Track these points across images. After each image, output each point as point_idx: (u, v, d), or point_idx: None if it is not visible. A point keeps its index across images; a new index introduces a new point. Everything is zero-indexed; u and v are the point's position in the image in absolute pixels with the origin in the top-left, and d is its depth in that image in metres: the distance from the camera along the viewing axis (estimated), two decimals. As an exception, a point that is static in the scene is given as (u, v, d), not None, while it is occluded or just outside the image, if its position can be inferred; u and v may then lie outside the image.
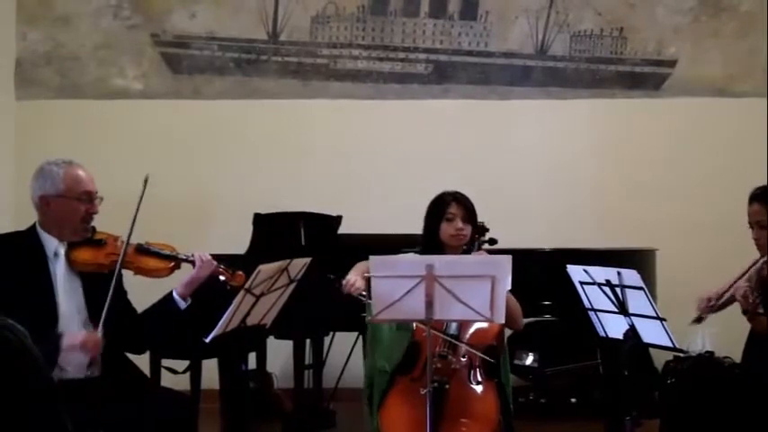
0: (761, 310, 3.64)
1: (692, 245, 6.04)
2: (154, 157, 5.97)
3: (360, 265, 3.58)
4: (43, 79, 6.39)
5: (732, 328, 3.74)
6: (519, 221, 5.76)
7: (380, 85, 6.44)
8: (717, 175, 6.18)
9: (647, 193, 6.28)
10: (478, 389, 3.54)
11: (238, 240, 5.12)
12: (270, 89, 6.43)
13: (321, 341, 5.38)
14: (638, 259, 5.08)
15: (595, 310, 3.58)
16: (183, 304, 3.38)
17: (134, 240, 3.36)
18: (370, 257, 3.19)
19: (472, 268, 3.21)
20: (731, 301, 3.74)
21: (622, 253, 5.32)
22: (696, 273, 5.78)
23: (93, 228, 3.38)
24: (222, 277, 3.43)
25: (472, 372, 3.56)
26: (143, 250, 3.39)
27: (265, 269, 3.35)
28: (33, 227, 3.36)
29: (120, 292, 3.40)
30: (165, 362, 4.96)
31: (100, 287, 3.25)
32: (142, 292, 3.48)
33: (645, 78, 6.43)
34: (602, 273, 3.45)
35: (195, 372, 5.02)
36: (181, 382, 4.73)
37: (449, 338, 3.52)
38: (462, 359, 3.55)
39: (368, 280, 3.22)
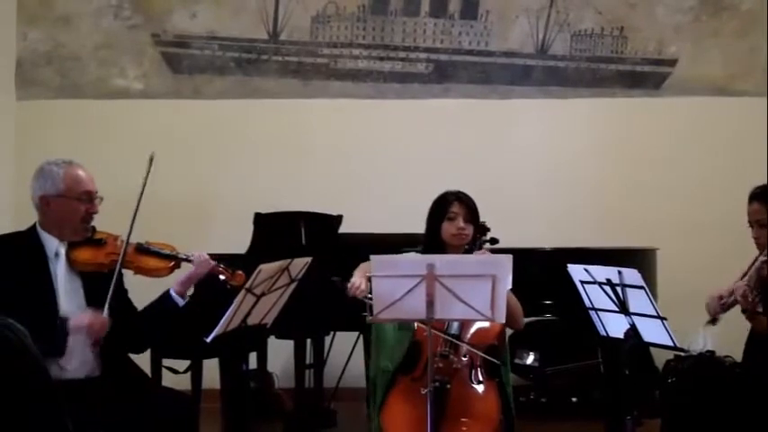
0: (760, 309, 3.64)
1: (692, 244, 6.04)
2: (155, 156, 5.95)
3: (363, 267, 3.58)
4: (44, 79, 6.39)
5: (733, 328, 3.73)
6: (519, 221, 5.76)
7: (381, 85, 6.44)
8: (717, 174, 6.18)
9: (648, 192, 6.28)
10: (480, 388, 3.54)
11: (239, 240, 5.12)
12: (270, 89, 6.43)
13: (322, 341, 5.38)
14: (639, 258, 5.09)
15: (596, 310, 3.58)
16: (180, 302, 3.38)
17: (134, 240, 3.36)
18: (371, 257, 3.19)
19: (473, 268, 3.21)
20: (733, 304, 3.73)
21: (623, 252, 5.32)
22: (696, 272, 5.79)
23: (94, 227, 3.38)
24: (222, 276, 3.43)
25: (473, 371, 3.56)
26: (143, 250, 3.39)
27: (266, 269, 3.35)
28: (34, 227, 3.36)
29: (121, 291, 3.40)
30: (166, 362, 4.96)
31: (100, 287, 3.25)
32: (142, 291, 3.48)
33: (645, 78, 6.43)
34: (602, 272, 3.45)
35: (196, 371, 5.02)
36: (182, 382, 4.73)
37: (450, 338, 3.52)
38: (463, 359, 3.55)
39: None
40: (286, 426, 5.13)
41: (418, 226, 3.91)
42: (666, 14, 6.42)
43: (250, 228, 5.23)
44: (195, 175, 6.29)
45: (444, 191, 3.80)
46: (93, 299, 3.27)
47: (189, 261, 3.42)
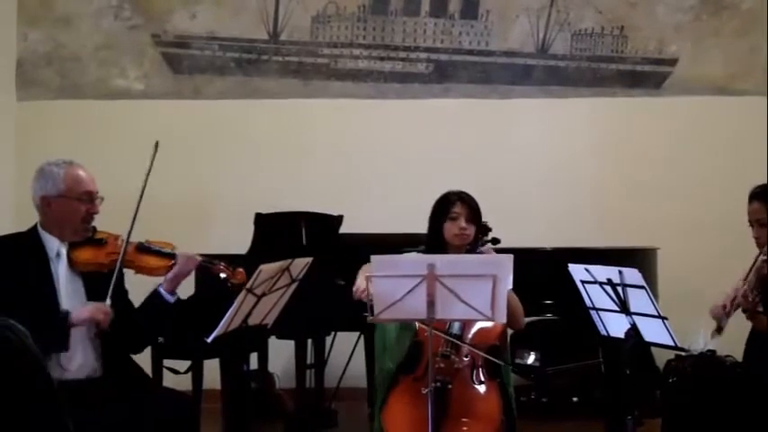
0: (761, 309, 3.64)
1: (692, 244, 6.04)
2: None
3: (366, 268, 3.57)
4: (44, 80, 6.40)
5: (733, 328, 3.73)
6: (519, 221, 5.75)
7: (381, 85, 6.44)
8: (717, 174, 6.18)
9: (648, 191, 6.28)
10: (481, 389, 3.54)
11: (239, 240, 5.12)
12: (271, 89, 6.43)
13: (323, 341, 5.38)
14: (640, 258, 5.09)
15: (597, 309, 3.58)
16: (170, 298, 3.38)
17: (134, 239, 3.36)
18: (372, 257, 3.19)
19: (473, 267, 3.21)
20: (737, 306, 3.73)
21: (624, 252, 5.32)
22: (697, 272, 5.82)
23: (94, 227, 3.38)
24: (223, 275, 3.43)
25: (475, 371, 3.56)
26: (143, 249, 3.39)
27: (267, 269, 3.35)
28: (34, 227, 3.36)
29: (121, 291, 3.40)
30: (167, 362, 4.96)
31: (101, 287, 3.25)
32: (142, 292, 3.47)
33: (645, 77, 6.43)
34: (603, 272, 3.45)
35: (197, 372, 5.02)
36: (182, 383, 4.74)
37: (451, 338, 3.52)
38: (465, 359, 3.55)
39: None
40: (287, 426, 5.13)
41: (418, 226, 3.91)
42: (667, 14, 6.42)
43: (250, 228, 5.23)
44: (196, 176, 6.29)
45: (447, 191, 3.81)
46: (95, 299, 3.27)
47: (188, 260, 3.43)
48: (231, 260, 3.60)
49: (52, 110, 6.33)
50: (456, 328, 3.57)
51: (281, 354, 5.59)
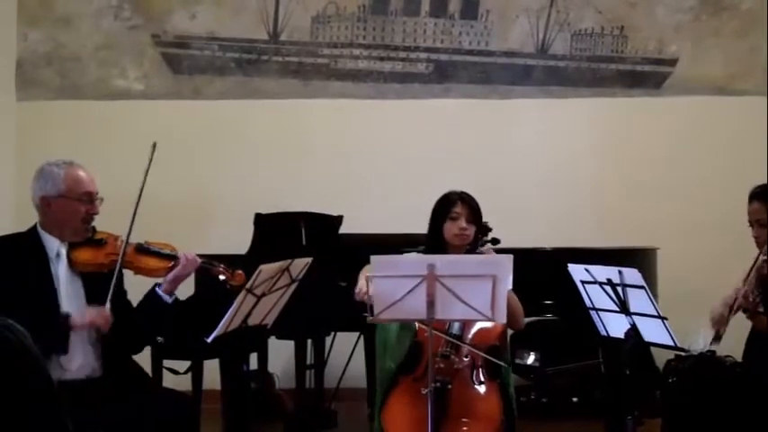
0: (761, 309, 3.63)
1: (692, 244, 6.04)
2: (155, 157, 5.95)
3: (367, 269, 3.57)
4: (44, 80, 6.40)
5: (733, 328, 3.72)
6: (519, 221, 5.75)
7: (381, 85, 6.44)
8: (717, 174, 6.18)
9: (648, 192, 6.27)
10: (481, 389, 3.54)
11: (239, 240, 5.13)
12: (270, 89, 6.43)
13: (322, 341, 5.38)
14: (640, 258, 5.09)
15: (597, 310, 3.58)
16: (168, 299, 3.38)
17: (134, 240, 3.36)
18: (371, 257, 3.19)
19: (473, 268, 3.21)
20: (738, 308, 3.72)
21: (624, 252, 5.32)
22: (696, 272, 5.82)
23: (94, 228, 3.38)
24: (222, 277, 3.43)
25: (475, 372, 3.56)
26: (143, 250, 3.39)
27: (266, 269, 3.35)
28: (34, 228, 3.36)
29: (121, 292, 3.40)
30: (167, 362, 4.96)
31: (101, 287, 3.25)
32: (143, 292, 3.47)
33: (645, 77, 6.42)
34: (603, 272, 3.45)
35: (197, 372, 5.02)
36: (182, 383, 4.74)
37: (451, 339, 3.52)
38: (465, 359, 3.55)
39: None
40: (287, 426, 5.13)
41: (418, 226, 3.91)
42: (667, 14, 6.42)
43: (250, 228, 5.23)
44: (195, 176, 6.29)
45: (448, 191, 3.81)
46: (94, 299, 3.27)
47: (188, 261, 3.43)
48: (231, 260, 3.60)
49: (52, 110, 6.33)
50: (456, 328, 3.57)
51: (280, 354, 5.59)
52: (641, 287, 3.34)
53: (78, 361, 3.24)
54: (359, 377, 5.17)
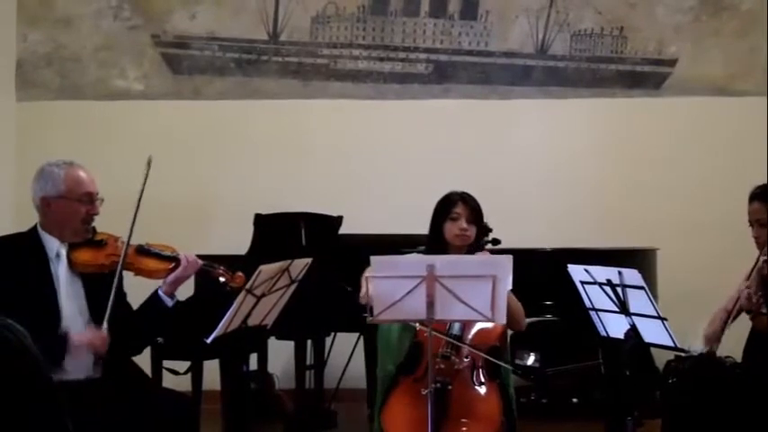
0: (764, 310, 3.63)
1: (692, 244, 6.04)
2: (155, 157, 5.95)
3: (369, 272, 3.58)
4: (44, 80, 6.39)
5: (733, 328, 3.73)
6: (519, 221, 5.75)
7: (381, 85, 6.44)
8: (717, 174, 6.18)
9: (648, 192, 6.27)
10: (481, 390, 3.54)
11: (239, 241, 5.13)
12: (270, 89, 6.43)
13: (322, 342, 5.38)
14: (639, 259, 5.09)
15: (596, 310, 3.58)
16: (169, 302, 3.38)
17: (134, 241, 3.36)
18: (371, 257, 3.19)
19: (473, 268, 3.21)
20: (739, 311, 3.72)
21: (623, 252, 5.32)
22: (696, 272, 5.82)
23: (94, 228, 3.38)
24: (222, 279, 3.43)
25: (475, 372, 3.56)
26: (143, 251, 3.39)
27: (266, 270, 3.35)
28: (34, 228, 3.36)
29: (121, 294, 3.40)
30: (167, 363, 4.96)
31: (101, 288, 3.25)
32: (143, 292, 3.47)
33: (645, 78, 6.42)
34: (603, 272, 3.45)
35: (196, 373, 5.02)
36: (182, 383, 4.74)
37: (451, 339, 3.52)
38: (465, 360, 3.55)
39: None
40: (286, 427, 5.13)
41: (418, 226, 3.91)
42: (666, 14, 6.42)
43: (250, 228, 5.23)
44: (195, 176, 6.29)
45: (449, 191, 3.81)
46: (94, 300, 3.28)
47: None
48: (231, 261, 3.60)
49: (52, 110, 6.33)
50: (456, 328, 3.57)
51: (280, 354, 5.59)
52: (641, 288, 3.34)
53: (81, 361, 3.24)
54: (359, 378, 5.17)
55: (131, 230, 3.32)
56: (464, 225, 3.69)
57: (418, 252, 3.75)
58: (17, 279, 3.20)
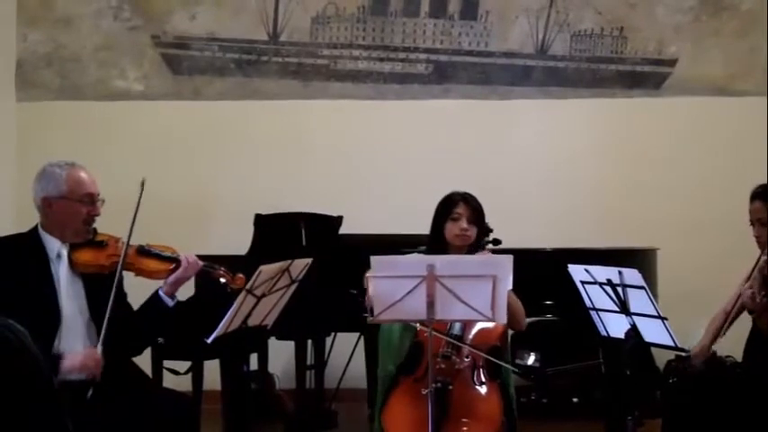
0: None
1: (692, 244, 6.04)
2: (155, 157, 5.98)
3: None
4: (44, 81, 6.39)
5: (733, 328, 3.73)
6: (519, 221, 5.75)
7: (381, 86, 6.44)
8: (717, 174, 6.18)
9: (648, 192, 6.27)
10: (482, 389, 3.54)
11: (239, 241, 5.13)
12: (270, 90, 6.43)
13: (323, 342, 5.38)
14: (640, 258, 5.08)
15: (597, 310, 3.58)
16: (170, 302, 3.37)
17: (134, 242, 3.36)
18: (371, 257, 3.19)
19: (473, 268, 3.21)
20: (739, 312, 3.72)
21: (624, 252, 5.32)
22: (697, 272, 5.82)
23: (95, 229, 3.38)
24: (223, 280, 3.43)
25: (475, 372, 3.56)
26: (144, 252, 3.39)
27: (266, 270, 3.35)
28: (35, 228, 3.36)
29: (121, 295, 3.40)
30: (167, 363, 4.96)
31: (102, 289, 3.25)
32: (143, 292, 3.47)
33: (645, 78, 6.42)
34: (603, 272, 3.45)
35: (197, 373, 5.03)
36: (182, 383, 4.74)
37: (451, 339, 3.52)
38: (466, 359, 3.55)
39: None
40: (287, 427, 5.13)
41: (418, 226, 3.91)
42: (666, 14, 6.42)
43: (250, 229, 5.23)
44: (195, 176, 6.29)
45: (451, 191, 3.81)
46: (95, 300, 3.28)
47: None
48: (231, 261, 3.60)
49: (52, 111, 6.33)
50: (457, 328, 3.57)
51: (280, 354, 5.59)
52: (641, 287, 3.34)
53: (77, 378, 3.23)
54: (359, 378, 5.17)
55: (131, 231, 3.32)
56: (465, 225, 3.69)
57: (419, 252, 3.75)
58: (18, 279, 3.20)
